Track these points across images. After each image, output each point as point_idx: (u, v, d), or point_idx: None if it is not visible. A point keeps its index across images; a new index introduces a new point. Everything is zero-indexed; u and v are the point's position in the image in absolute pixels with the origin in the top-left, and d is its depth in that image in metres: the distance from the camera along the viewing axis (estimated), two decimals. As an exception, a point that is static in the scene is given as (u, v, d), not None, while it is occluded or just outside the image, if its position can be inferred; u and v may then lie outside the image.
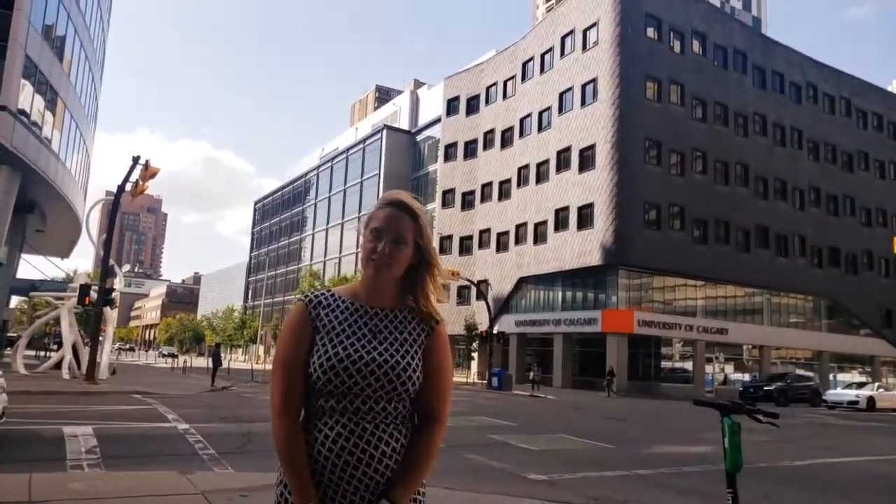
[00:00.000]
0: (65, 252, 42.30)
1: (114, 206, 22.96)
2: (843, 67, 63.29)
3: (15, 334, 38.35)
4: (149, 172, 21.85)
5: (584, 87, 39.99)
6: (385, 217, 1.78)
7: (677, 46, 40.77)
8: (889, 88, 67.29)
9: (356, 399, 1.68)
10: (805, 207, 45.40)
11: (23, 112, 22.75)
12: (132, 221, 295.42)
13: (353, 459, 1.64)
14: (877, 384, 35.52)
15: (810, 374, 41.40)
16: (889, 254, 43.96)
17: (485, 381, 36.36)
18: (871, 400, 30.74)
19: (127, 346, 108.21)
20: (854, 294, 46.47)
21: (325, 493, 1.65)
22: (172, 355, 53.62)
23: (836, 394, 32.94)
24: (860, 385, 34.59)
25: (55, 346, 35.11)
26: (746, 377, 40.33)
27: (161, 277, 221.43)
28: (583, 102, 39.94)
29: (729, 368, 41.17)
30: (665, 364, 38.91)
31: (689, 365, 39.16)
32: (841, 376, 45.33)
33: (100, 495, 5.57)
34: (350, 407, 1.68)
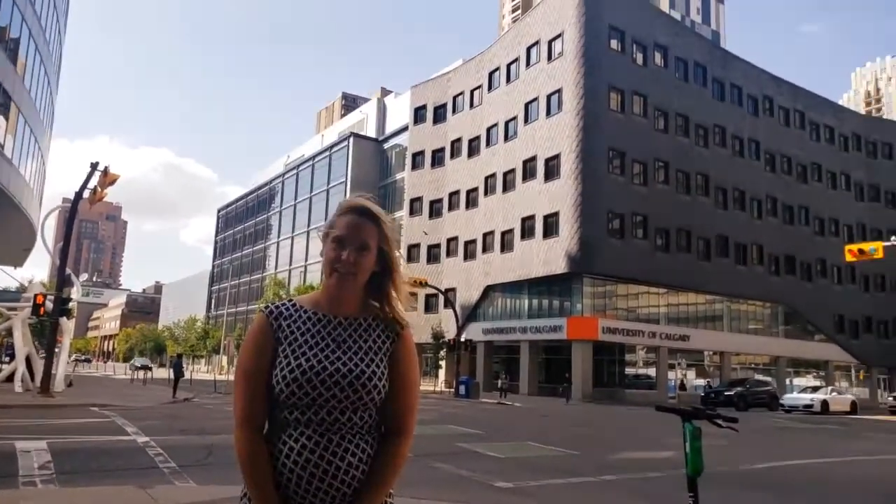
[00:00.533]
0: (19, 261, 40.98)
1: (71, 214, 22.35)
2: (797, 81, 65.29)
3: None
4: (108, 179, 21.34)
5: (549, 97, 40.52)
6: (347, 224, 1.73)
7: (640, 58, 41.63)
8: (840, 102, 69.75)
9: (321, 410, 1.64)
10: (763, 217, 46.69)
11: (-25, 116, 22.05)
12: (91, 229, 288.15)
13: (319, 471, 1.61)
14: (830, 388, 36.71)
15: (768, 378, 42.45)
16: (841, 262, 45.37)
17: (452, 390, 36.34)
18: (824, 403, 31.81)
19: (83, 358, 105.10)
20: (809, 301, 47.92)
21: None
22: (146, 367, 47.98)
23: (792, 398, 33.89)
24: (815, 389, 35.67)
25: (7, 359, 33.94)
26: (706, 382, 41.14)
27: (121, 287, 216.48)
28: (548, 112, 40.46)
29: (691, 374, 41.94)
30: (629, 370, 39.49)
31: (652, 371, 39.80)
32: (797, 381, 46.62)
33: (54, 512, 5.38)
34: (315, 418, 1.64)
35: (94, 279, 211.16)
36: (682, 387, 39.69)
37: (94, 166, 21.32)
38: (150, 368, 49.01)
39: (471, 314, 44.05)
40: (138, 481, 6.85)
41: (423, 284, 37.67)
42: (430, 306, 48.41)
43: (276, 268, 73.71)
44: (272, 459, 1.64)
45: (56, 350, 22.62)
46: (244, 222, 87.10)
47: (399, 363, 1.76)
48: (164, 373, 43.78)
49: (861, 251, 21.71)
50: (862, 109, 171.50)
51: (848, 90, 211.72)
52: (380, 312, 1.79)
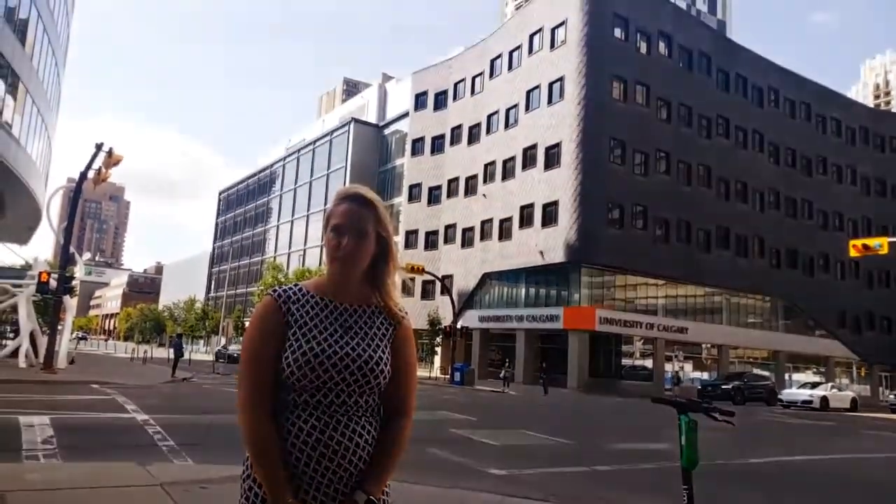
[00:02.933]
0: (24, 239, 41.11)
1: (75, 194, 22.41)
2: (805, 72, 64.72)
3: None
4: (112, 160, 21.37)
5: (550, 85, 40.34)
6: (345, 212, 1.78)
7: (644, 47, 41.39)
8: (848, 94, 69.23)
9: (330, 393, 1.70)
10: (765, 209, 46.49)
11: (-20, 95, 22.04)
12: (94, 209, 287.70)
13: (329, 452, 1.66)
14: (830, 384, 36.60)
15: (766, 373, 42.52)
16: (845, 257, 45.24)
17: (447, 376, 36.52)
18: (824, 400, 31.65)
19: (80, 335, 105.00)
20: (810, 296, 47.68)
21: (298, 486, 1.65)
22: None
23: (791, 393, 33.85)
24: (814, 385, 35.52)
25: (12, 335, 34.11)
26: (704, 375, 41.28)
27: (123, 266, 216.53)
28: (549, 100, 40.30)
29: (688, 367, 42.04)
30: (626, 361, 39.58)
31: (649, 363, 39.90)
32: (796, 376, 46.52)
33: (56, 485, 5.52)
34: (324, 401, 1.69)
35: (97, 258, 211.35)
36: (677, 380, 39.50)
37: (98, 147, 21.35)
38: (86, 338, 48.19)
39: (467, 301, 44.15)
40: (138, 458, 6.98)
41: (421, 271, 37.74)
42: (427, 293, 48.49)
43: (275, 251, 73.79)
44: (280, 440, 1.68)
45: (59, 327, 22.80)
46: (245, 205, 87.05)
47: (400, 349, 1.84)
48: (164, 352, 43.99)
49: (866, 246, 21.41)
50: (871, 102, 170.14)
51: (857, 82, 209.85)
52: (379, 301, 1.84)
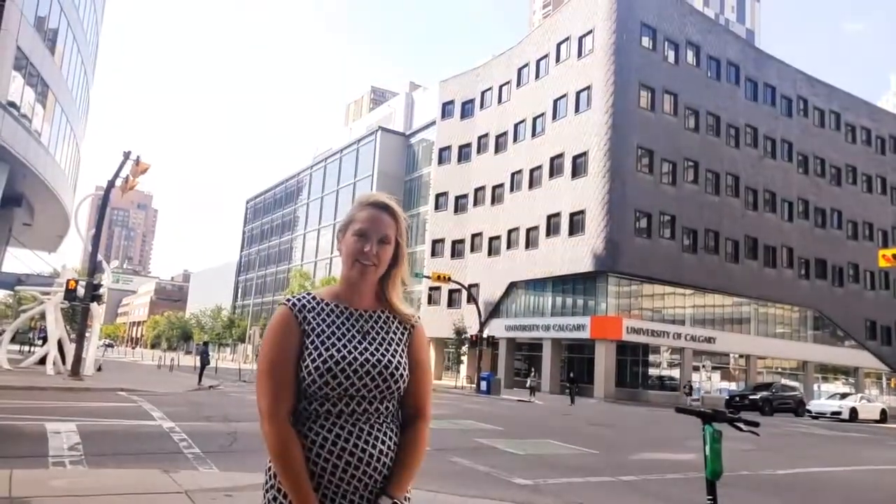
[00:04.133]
0: (52, 246, 41.98)
1: (103, 202, 22.82)
2: (835, 81, 63.73)
3: (-1, 328, 38.01)
4: (140, 168, 21.76)
5: (578, 94, 40.22)
6: (369, 218, 1.80)
7: (672, 56, 41.10)
8: (879, 104, 68.01)
9: (351, 401, 1.70)
10: (793, 219, 45.85)
11: (13, 104, 22.58)
12: (122, 217, 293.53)
13: (354, 460, 1.66)
14: (860, 395, 35.92)
15: (795, 384, 41.72)
16: (874, 267, 44.43)
17: (473, 385, 36.36)
18: (853, 411, 31.09)
19: (107, 343, 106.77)
20: (839, 306, 46.96)
21: (324, 495, 1.66)
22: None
23: (819, 404, 33.26)
24: (843, 396, 34.91)
25: (40, 342, 34.81)
26: (732, 386, 40.61)
27: (150, 274, 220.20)
28: (577, 109, 40.17)
29: (716, 377, 41.40)
30: (652, 371, 39.08)
31: (676, 373, 39.36)
32: (825, 387, 45.78)
33: (81, 492, 5.53)
34: (346, 409, 1.70)
35: (125, 266, 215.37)
36: (689, 390, 35.25)
37: (126, 155, 21.74)
38: (113, 346, 48.92)
39: (494, 310, 44.00)
40: (163, 465, 7.00)
41: (447, 280, 37.74)
42: (452, 301, 48.47)
43: (302, 259, 74.38)
44: (304, 450, 1.67)
45: (87, 335, 23.15)
46: (272, 213, 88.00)
47: (415, 354, 1.85)
48: (191, 360, 44.54)
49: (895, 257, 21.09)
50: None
51: (887, 91, 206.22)
52: (392, 307, 1.85)
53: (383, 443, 1.72)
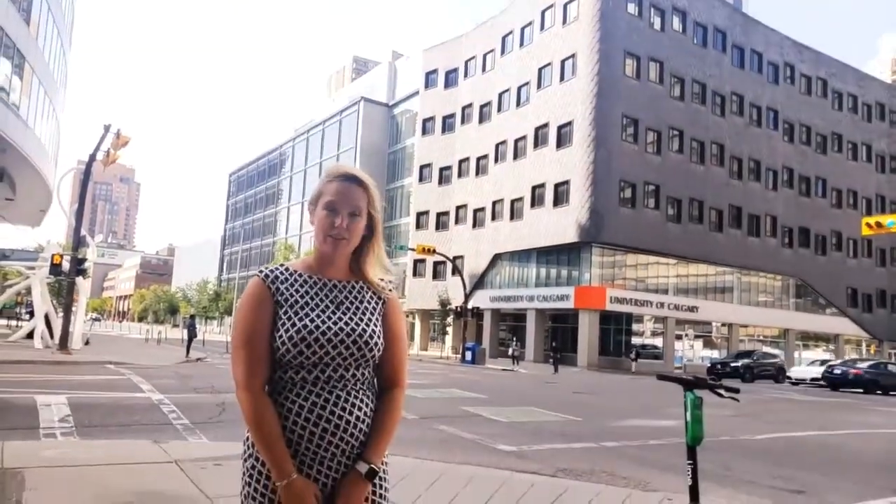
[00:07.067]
0: (35, 221, 41.45)
1: (85, 176, 22.54)
2: (822, 46, 63.47)
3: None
4: (120, 141, 21.48)
5: (563, 62, 39.94)
6: (337, 190, 1.80)
7: (658, 23, 40.81)
8: (865, 70, 68.03)
9: (327, 368, 1.73)
10: (778, 188, 46.14)
11: (-11, 77, 22.12)
12: (105, 191, 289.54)
13: (332, 427, 1.70)
14: (839, 362, 36.46)
15: (776, 351, 42.52)
16: (857, 235, 44.93)
17: (458, 356, 36.72)
18: (832, 377, 31.54)
19: (94, 317, 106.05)
20: (822, 274, 47.60)
21: (301, 461, 1.70)
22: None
23: (800, 370, 33.89)
24: (823, 363, 35.45)
25: (27, 316, 34.64)
26: (714, 354, 41.30)
27: (135, 248, 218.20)
28: (562, 78, 39.92)
29: (698, 345, 42.05)
30: (636, 340, 39.61)
31: (659, 342, 39.93)
32: (806, 354, 46.65)
33: (73, 462, 5.62)
34: (322, 376, 1.73)
35: (109, 240, 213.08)
36: (636, 356, 35.29)
37: (106, 128, 21.44)
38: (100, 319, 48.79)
39: (478, 282, 44.22)
40: (153, 436, 7.10)
41: (432, 252, 37.80)
42: (437, 273, 48.61)
43: (286, 232, 74.03)
44: (280, 419, 1.71)
45: (73, 309, 23.08)
46: (255, 187, 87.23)
47: (390, 323, 1.87)
48: (178, 333, 44.50)
49: (879, 224, 21.19)
50: (888, 77, 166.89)
51: (874, 57, 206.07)
52: (366, 278, 1.87)
53: (360, 409, 1.75)
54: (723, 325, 42.97)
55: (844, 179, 50.02)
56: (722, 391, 3.99)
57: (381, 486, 1.81)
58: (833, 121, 50.00)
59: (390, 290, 1.90)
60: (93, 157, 21.74)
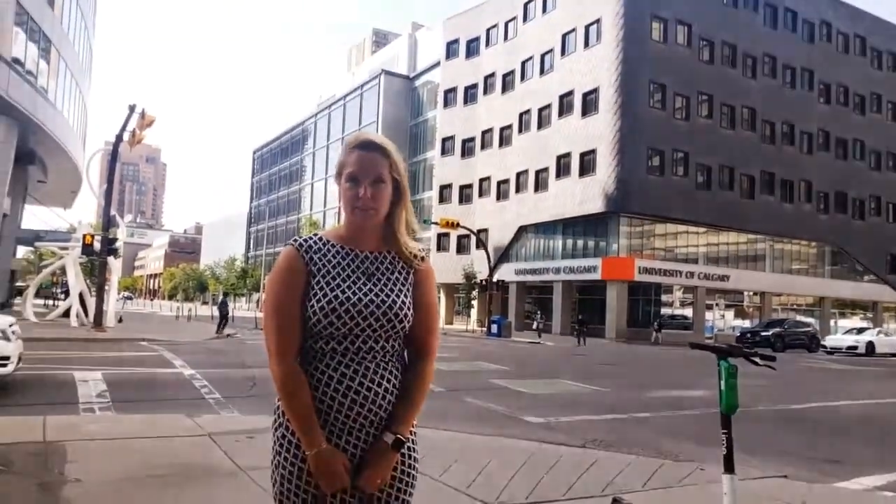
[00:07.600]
0: (67, 202, 42.39)
1: (112, 156, 22.81)
2: (861, 3, 60.56)
3: (24, 283, 38.78)
4: (146, 121, 21.64)
5: (587, 27, 39.06)
6: (358, 160, 1.77)
7: (685, -16, 39.51)
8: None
9: (357, 339, 1.73)
10: (813, 151, 44.63)
11: (17, 61, 22.39)
12: (132, 172, 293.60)
13: (360, 398, 1.71)
14: (877, 329, 35.72)
15: (809, 320, 41.66)
16: (897, 198, 43.36)
17: (484, 329, 36.81)
18: (870, 345, 31.00)
19: (126, 295, 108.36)
20: (859, 240, 46.10)
21: (330, 431, 1.71)
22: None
23: (835, 339, 33.32)
24: (860, 331, 34.79)
25: (62, 295, 35.53)
26: (745, 323, 40.73)
27: (163, 227, 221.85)
28: (586, 44, 39.08)
29: (729, 315, 41.45)
30: (665, 311, 39.18)
31: (689, 312, 39.48)
32: (842, 322, 45.58)
33: (112, 436, 5.75)
34: (352, 347, 1.73)
35: (138, 220, 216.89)
36: (658, 327, 34.74)
37: (132, 108, 21.60)
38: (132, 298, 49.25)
39: (503, 255, 44.02)
40: (186, 410, 7.23)
41: (456, 226, 37.69)
42: (462, 247, 48.50)
43: (311, 209, 74.44)
44: (310, 388, 1.71)
45: (106, 287, 23.58)
46: (279, 164, 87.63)
47: (421, 293, 1.86)
48: (207, 310, 45.27)
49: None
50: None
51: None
52: (397, 247, 1.84)
53: (388, 381, 1.76)
54: (755, 293, 42.27)
55: (884, 141, 48.08)
56: (757, 359, 3.90)
57: (409, 457, 1.81)
58: (872, 80, 47.98)
59: (422, 258, 1.87)
60: (119, 138, 21.96)
